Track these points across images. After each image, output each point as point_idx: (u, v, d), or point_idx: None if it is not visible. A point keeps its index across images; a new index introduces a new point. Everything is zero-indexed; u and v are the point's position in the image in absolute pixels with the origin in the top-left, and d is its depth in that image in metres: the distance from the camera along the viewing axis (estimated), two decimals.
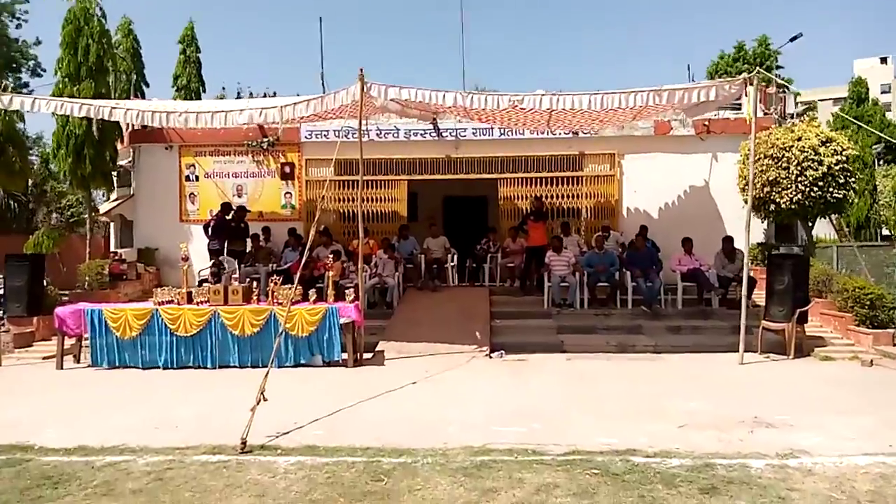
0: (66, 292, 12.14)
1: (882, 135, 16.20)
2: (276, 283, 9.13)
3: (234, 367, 8.71)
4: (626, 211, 13.88)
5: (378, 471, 4.84)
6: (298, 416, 6.25)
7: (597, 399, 6.94)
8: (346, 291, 9.20)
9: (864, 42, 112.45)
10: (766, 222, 13.64)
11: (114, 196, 16.11)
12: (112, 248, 15.85)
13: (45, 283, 11.32)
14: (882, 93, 62.74)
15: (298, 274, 7.44)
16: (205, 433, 5.78)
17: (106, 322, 8.84)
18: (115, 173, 15.60)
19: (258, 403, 5.68)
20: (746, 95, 8.98)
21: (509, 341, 10.09)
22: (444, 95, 8.81)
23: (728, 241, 11.84)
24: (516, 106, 8.85)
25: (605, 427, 5.87)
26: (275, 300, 8.92)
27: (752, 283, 11.49)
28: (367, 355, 9.42)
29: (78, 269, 12.67)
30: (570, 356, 9.52)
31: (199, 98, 22.37)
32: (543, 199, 13.58)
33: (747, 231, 9.42)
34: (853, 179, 11.74)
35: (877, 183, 21.06)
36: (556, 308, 11.52)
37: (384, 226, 14.27)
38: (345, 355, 8.84)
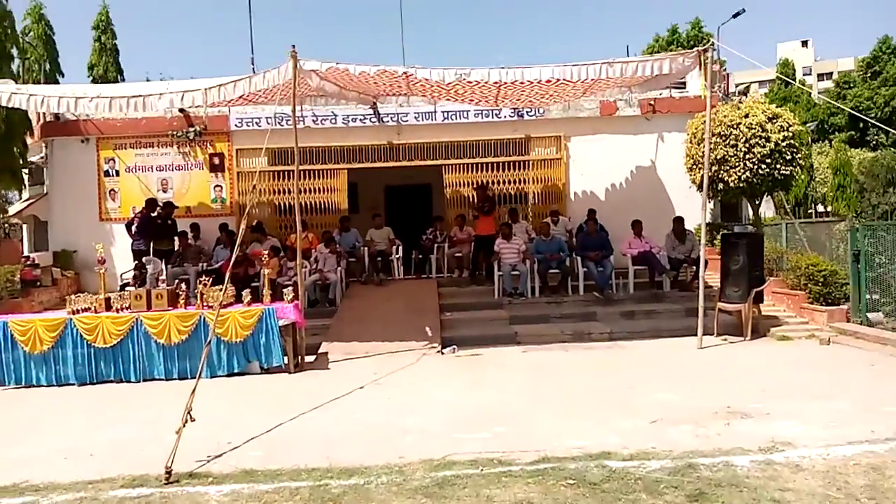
0: None
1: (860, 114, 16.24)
2: (205, 285, 8.33)
3: (161, 379, 7.88)
4: (574, 195, 13.54)
5: (326, 497, 4.23)
6: (233, 434, 5.56)
7: (560, 395, 6.48)
8: (284, 290, 8.47)
9: (785, 26, 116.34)
10: (712, 202, 13.54)
11: (26, 195, 14.81)
12: (27, 251, 14.56)
13: None
14: (804, 75, 64.95)
15: (229, 273, 6.71)
16: (124, 461, 5.03)
17: (12, 335, 7.87)
18: (26, 170, 14.32)
19: (184, 425, 4.97)
20: (701, 69, 8.63)
21: (461, 335, 9.58)
22: (385, 67, 8.17)
23: (678, 221, 11.63)
24: (462, 79, 8.29)
25: (574, 427, 5.41)
26: (204, 303, 8.13)
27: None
28: (310, 358, 8.74)
29: None
30: (525, 348, 9.07)
31: None
32: (490, 185, 13.13)
33: (704, 210, 9.18)
34: (799, 155, 11.69)
35: (812, 161, 21.49)
36: (507, 298, 11.07)
37: (324, 218, 13.52)
38: (286, 359, 8.13)
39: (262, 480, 4.55)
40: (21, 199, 15.58)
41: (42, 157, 13.60)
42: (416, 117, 13.15)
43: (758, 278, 9.41)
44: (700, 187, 12.42)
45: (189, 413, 5.02)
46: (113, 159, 13.34)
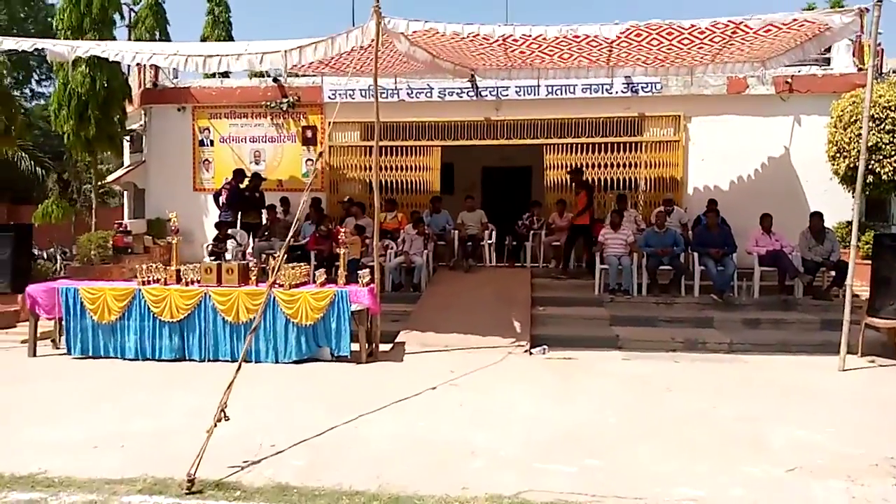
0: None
1: None
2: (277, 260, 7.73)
3: (227, 360, 7.33)
4: (692, 182, 12.06)
5: None
6: (280, 433, 4.87)
7: (668, 421, 5.35)
8: (360, 273, 7.74)
9: None
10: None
11: (127, 162, 15.01)
12: (126, 219, 14.76)
13: (35, 256, 10.21)
14: None
15: (285, 249, 6.02)
16: (154, 458, 4.44)
17: (82, 303, 7.60)
18: (127, 138, 14.47)
19: (216, 424, 4.29)
20: (863, 32, 7.08)
21: (553, 334, 8.55)
22: (479, 27, 7.21)
23: (817, 217, 9.98)
24: (568, 35, 7.19)
25: (685, 468, 4.30)
26: (276, 281, 7.53)
27: (844, 269, 9.68)
28: (386, 347, 8.01)
29: (77, 242, 11.55)
30: (627, 354, 7.93)
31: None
32: (592, 168, 11.97)
33: (858, 204, 7.56)
34: None
35: None
36: (609, 294, 9.91)
37: (415, 197, 12.80)
38: (356, 347, 7.42)
39: (296, 501, 3.79)
40: (123, 166, 15.82)
41: (142, 125, 13.63)
42: (517, 92, 12.08)
43: None
44: (844, 179, 10.74)
45: (223, 411, 4.33)
46: (208, 129, 13.17)
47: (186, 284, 7.63)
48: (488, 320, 8.81)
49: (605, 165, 12.11)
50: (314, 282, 7.72)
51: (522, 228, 12.14)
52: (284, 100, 12.80)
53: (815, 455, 4.52)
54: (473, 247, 11.52)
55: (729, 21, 7.07)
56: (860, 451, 4.61)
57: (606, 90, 11.70)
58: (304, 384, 6.50)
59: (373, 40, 7.32)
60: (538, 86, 11.86)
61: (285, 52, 7.60)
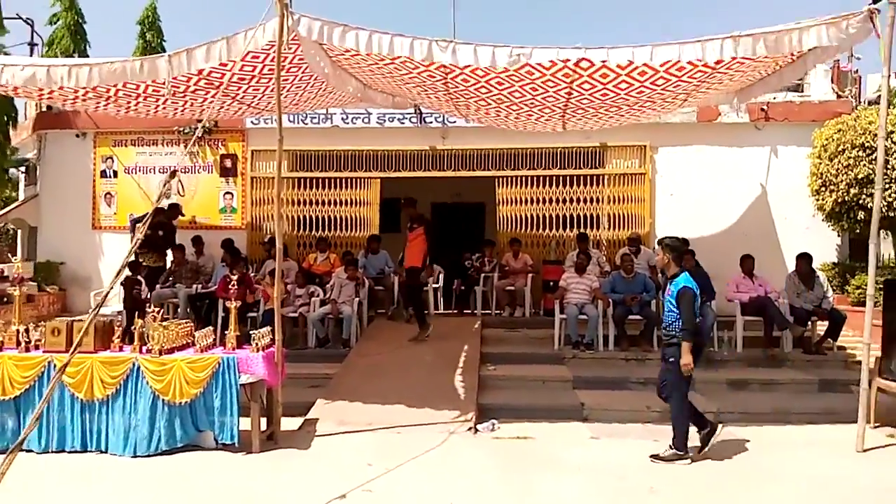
0: None
1: None
2: (154, 318, 6.04)
3: (76, 451, 5.56)
4: (660, 219, 10.76)
5: None
6: None
7: None
8: (255, 333, 6.04)
9: None
10: (842, 235, 10.53)
11: (21, 196, 13.12)
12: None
13: None
14: None
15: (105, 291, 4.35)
16: None
17: None
18: (22, 169, 12.65)
19: None
20: (879, 37, 5.73)
21: (505, 402, 7.00)
22: (410, 44, 5.64)
23: (804, 259, 8.78)
24: (517, 62, 5.63)
25: None
26: (143, 344, 5.83)
27: (838, 319, 8.43)
28: (293, 425, 6.31)
29: None
30: (594, 429, 6.39)
31: None
32: (549, 203, 10.67)
33: (876, 242, 6.18)
34: None
35: None
36: (570, 349, 8.45)
37: (352, 236, 11.29)
38: (250, 429, 5.71)
39: None
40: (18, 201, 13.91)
41: (36, 154, 11.82)
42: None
43: None
44: (830, 215, 9.60)
45: None
46: (111, 158, 11.45)
47: (27, 349, 5.85)
48: (427, 386, 7.24)
49: (564, 200, 10.83)
50: (195, 345, 6.00)
51: (472, 271, 10.66)
52: (199, 124, 11.15)
53: None
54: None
55: (714, 55, 5.63)
56: None
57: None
58: (158, 494, 4.75)
59: (271, 43, 5.78)
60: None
61: (170, 56, 6.03)
